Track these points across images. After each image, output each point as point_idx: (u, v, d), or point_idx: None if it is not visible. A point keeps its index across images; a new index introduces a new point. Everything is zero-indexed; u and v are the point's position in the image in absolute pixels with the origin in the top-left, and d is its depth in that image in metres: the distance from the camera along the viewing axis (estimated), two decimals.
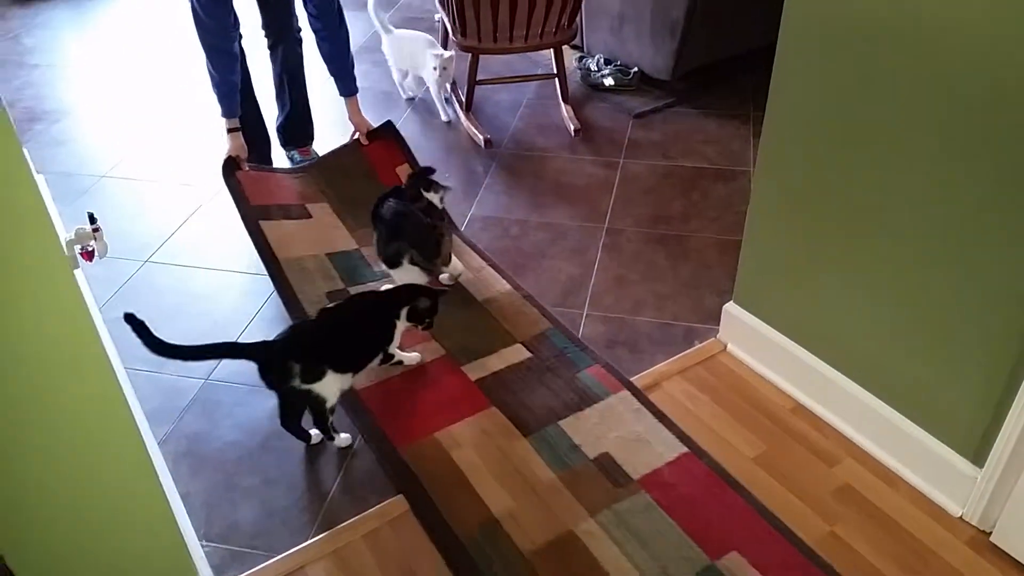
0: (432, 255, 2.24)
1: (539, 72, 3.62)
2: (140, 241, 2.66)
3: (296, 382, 1.80)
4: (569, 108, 3.35)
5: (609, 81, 3.53)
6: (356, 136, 2.82)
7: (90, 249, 1.59)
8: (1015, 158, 1.41)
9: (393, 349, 2.03)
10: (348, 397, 1.98)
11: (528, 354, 2.13)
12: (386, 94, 3.58)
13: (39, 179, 2.93)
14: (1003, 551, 1.65)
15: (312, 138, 3.06)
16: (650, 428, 1.91)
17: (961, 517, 1.72)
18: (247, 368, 2.15)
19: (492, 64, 3.63)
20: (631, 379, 2.08)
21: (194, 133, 3.18)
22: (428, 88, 3.45)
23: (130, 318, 1.75)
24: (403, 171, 2.72)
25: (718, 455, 1.88)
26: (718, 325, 2.21)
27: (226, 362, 2.19)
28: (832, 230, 1.79)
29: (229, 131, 2.62)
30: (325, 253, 2.46)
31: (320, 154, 2.97)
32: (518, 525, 1.70)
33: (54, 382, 1.03)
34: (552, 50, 3.31)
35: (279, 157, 3.03)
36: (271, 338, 1.86)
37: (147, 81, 3.73)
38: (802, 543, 1.67)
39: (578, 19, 3.37)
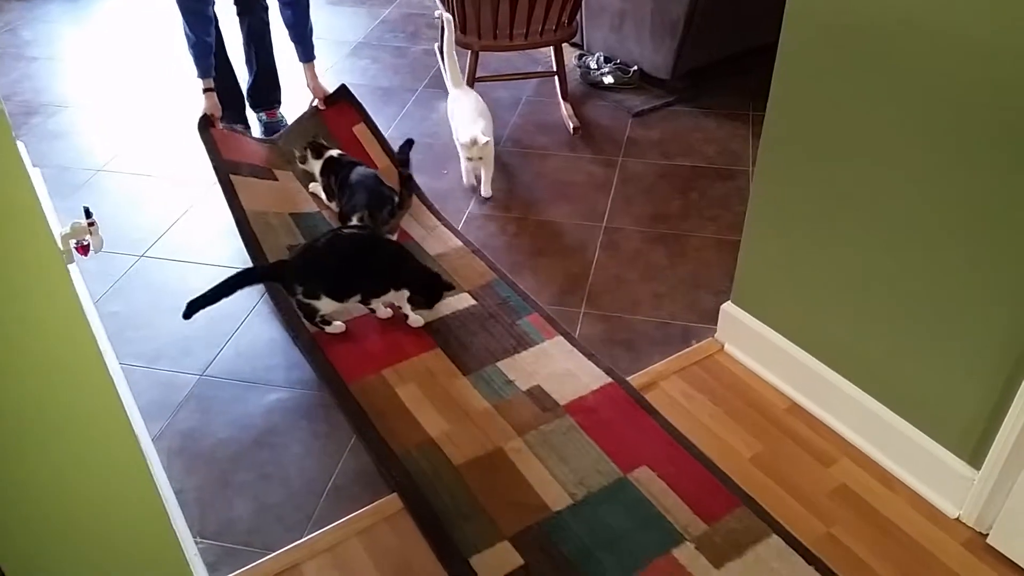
0: (381, 222, 2.47)
1: (539, 70, 3.62)
2: (136, 236, 2.65)
3: (300, 296, 2.16)
4: (568, 106, 3.34)
5: (609, 79, 3.52)
6: (315, 102, 2.98)
7: (85, 243, 1.58)
8: (1016, 160, 1.41)
9: (376, 304, 2.25)
10: (304, 337, 2.22)
11: (473, 302, 2.32)
12: (384, 90, 3.57)
13: (35, 172, 2.92)
14: (1000, 553, 1.65)
15: (279, 102, 3.26)
16: (579, 365, 2.10)
17: (958, 519, 1.72)
18: (242, 365, 2.17)
19: (492, 61, 3.62)
20: (628, 378, 2.08)
21: (191, 128, 3.17)
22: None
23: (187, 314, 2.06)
24: (360, 131, 2.93)
25: (714, 455, 1.87)
26: (715, 325, 2.21)
27: (220, 360, 2.18)
28: (831, 231, 1.78)
29: (204, 91, 2.79)
30: (289, 212, 2.64)
31: (286, 117, 3.21)
32: (452, 444, 1.89)
33: (46, 379, 1.02)
34: (552, 48, 3.30)
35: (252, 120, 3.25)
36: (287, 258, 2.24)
37: (145, 75, 3.71)
38: (706, 458, 1.85)
39: (578, 17, 3.36)
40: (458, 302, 2.31)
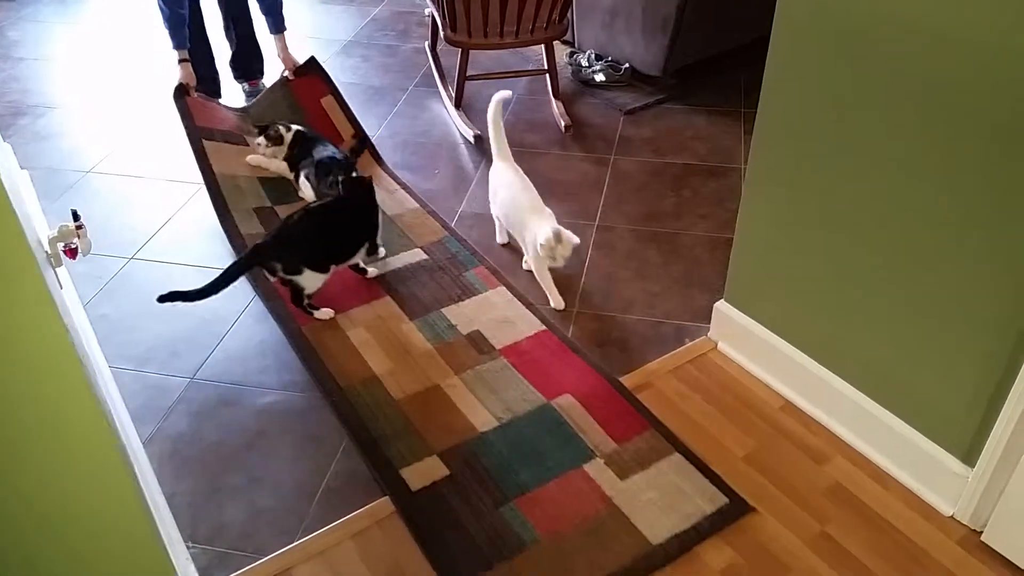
0: (323, 186, 2.66)
1: (530, 68, 3.60)
2: (126, 238, 2.63)
3: (280, 273, 2.22)
4: (560, 104, 3.33)
5: (600, 77, 3.51)
6: (285, 73, 3.10)
7: (73, 246, 1.56)
8: (1007, 158, 1.40)
9: (359, 259, 2.39)
10: (262, 285, 2.37)
11: (424, 256, 2.51)
12: (374, 89, 3.55)
13: (23, 175, 2.90)
14: (994, 550, 1.64)
15: (261, 72, 3.45)
16: (518, 313, 2.29)
17: (952, 516, 1.72)
18: (232, 368, 2.15)
19: (482, 59, 3.61)
20: (621, 378, 2.08)
21: (181, 129, 3.14)
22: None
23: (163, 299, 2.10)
24: (327, 103, 3.07)
25: (708, 454, 1.87)
26: (709, 323, 2.20)
27: (210, 363, 2.17)
28: (824, 229, 1.78)
29: (180, 61, 2.93)
30: (257, 176, 2.83)
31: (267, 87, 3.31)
32: (394, 380, 2.08)
33: (19, 386, 1.00)
34: (543, 45, 3.29)
35: (230, 94, 3.39)
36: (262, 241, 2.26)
37: (134, 75, 3.69)
38: (626, 389, 2.03)
39: (569, 14, 3.35)
40: (411, 256, 2.51)
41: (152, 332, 2.27)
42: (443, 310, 2.29)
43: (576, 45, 3.71)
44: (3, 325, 0.97)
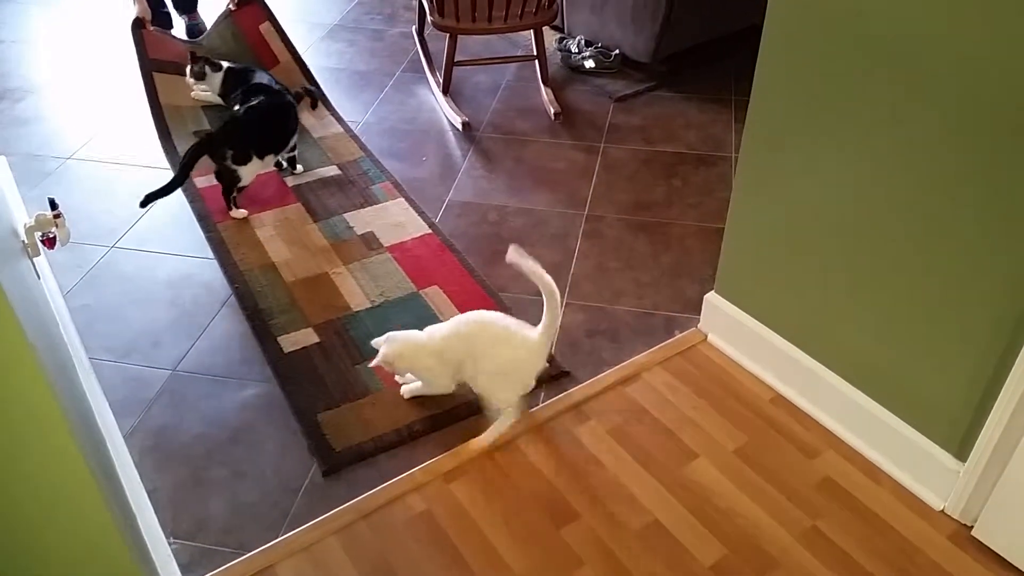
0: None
1: (519, 53, 3.56)
2: (107, 226, 2.58)
3: (228, 162, 2.53)
4: (549, 91, 3.29)
5: (590, 63, 3.47)
6: (229, 5, 3.29)
7: (52, 236, 1.52)
8: (1001, 152, 1.38)
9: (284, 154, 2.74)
10: (190, 189, 2.68)
11: (339, 172, 2.82)
12: (360, 75, 3.50)
13: (1, 160, 2.84)
14: (984, 545, 1.64)
15: (195, 5, 3.71)
16: (410, 219, 2.59)
17: (943, 511, 1.71)
18: (215, 359, 2.12)
19: (471, 45, 3.56)
20: (611, 370, 2.06)
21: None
22: None
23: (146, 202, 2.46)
24: (266, 29, 3.33)
25: (698, 447, 1.85)
26: (699, 314, 2.18)
27: (192, 354, 2.13)
28: (816, 221, 1.76)
29: None
30: (200, 105, 3.16)
31: (204, 19, 3.68)
32: (288, 268, 2.39)
33: None
34: (532, 31, 3.24)
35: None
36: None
37: (116, 59, 3.60)
38: (487, 284, 2.32)
39: None
40: (326, 171, 2.83)
41: (134, 322, 2.23)
42: (345, 215, 2.61)
43: (566, 31, 3.67)
44: None
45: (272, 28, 3.34)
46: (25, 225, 1.51)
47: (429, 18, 3.15)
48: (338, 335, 2.15)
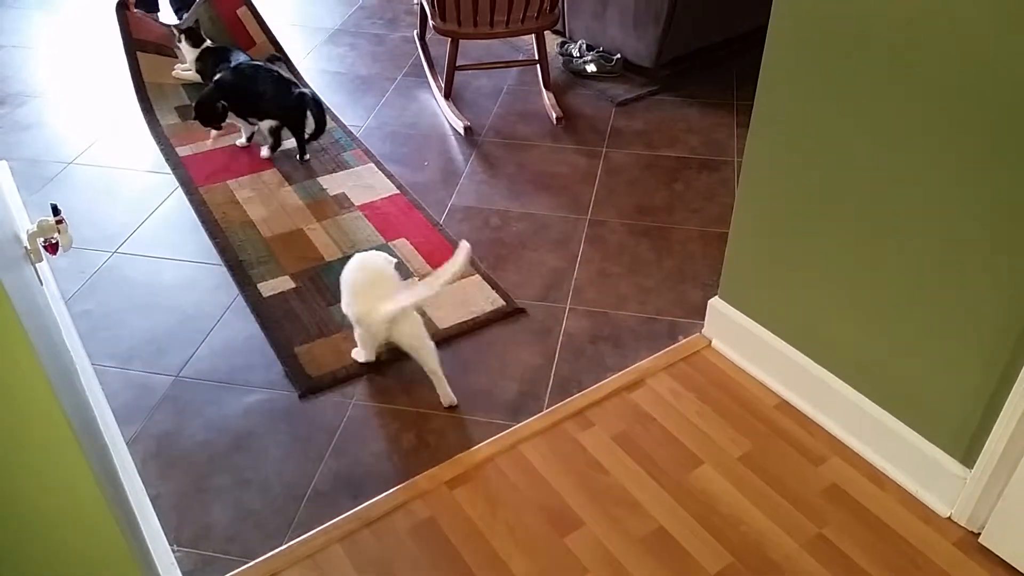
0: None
1: (520, 58, 3.56)
2: (109, 231, 2.58)
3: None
4: (551, 95, 3.29)
5: (591, 68, 3.47)
6: None
7: (54, 241, 1.52)
8: (1009, 156, 1.38)
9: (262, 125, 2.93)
10: (172, 157, 2.93)
11: (312, 141, 3.00)
12: (362, 79, 3.49)
13: (2, 165, 2.83)
14: (991, 552, 1.63)
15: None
16: (379, 182, 2.81)
17: (950, 518, 1.70)
18: (218, 365, 2.11)
19: (472, 49, 3.56)
20: (615, 375, 2.05)
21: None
22: None
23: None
24: (243, 13, 3.54)
25: (703, 453, 1.85)
26: (703, 320, 2.17)
27: (195, 360, 2.12)
28: (820, 225, 1.75)
29: None
30: (181, 84, 3.36)
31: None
32: (266, 225, 2.59)
33: None
34: (534, 35, 3.24)
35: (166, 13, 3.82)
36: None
37: (118, 63, 3.60)
38: (449, 236, 2.54)
39: (560, 4, 3.30)
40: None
41: (137, 328, 2.23)
42: (318, 178, 2.83)
43: (567, 35, 3.66)
44: None
45: (249, 12, 3.57)
46: (27, 231, 1.50)
47: (431, 22, 3.14)
48: (312, 281, 2.36)
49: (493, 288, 2.34)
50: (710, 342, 2.14)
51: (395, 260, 2.11)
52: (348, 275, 2.02)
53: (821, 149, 1.69)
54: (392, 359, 2.12)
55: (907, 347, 1.68)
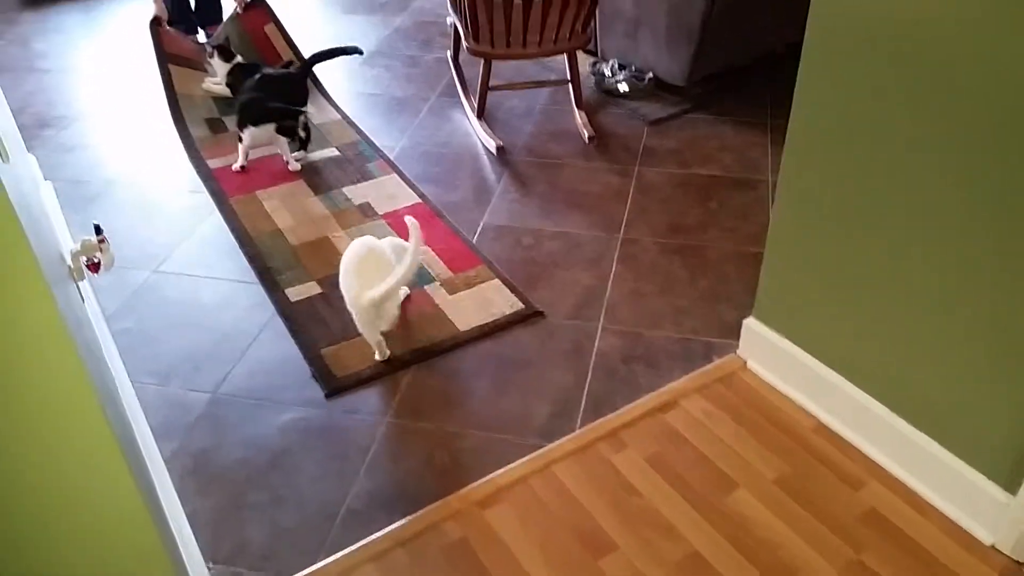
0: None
1: (552, 77, 3.57)
2: (149, 250, 2.63)
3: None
4: (583, 114, 3.30)
5: (623, 87, 3.47)
6: (236, 8, 3.67)
7: (96, 261, 1.55)
8: None
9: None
10: (203, 169, 3.04)
11: (337, 153, 3.14)
12: (397, 100, 3.53)
13: (47, 186, 2.91)
14: None
15: (221, 20, 3.86)
16: (402, 191, 2.90)
17: (993, 546, 1.66)
18: (254, 383, 2.14)
19: (505, 70, 3.58)
20: (648, 396, 2.04)
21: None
22: None
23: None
24: (271, 30, 3.69)
25: (739, 477, 1.83)
26: (737, 340, 2.15)
27: (232, 378, 2.15)
28: (859, 245, 1.73)
29: None
30: (211, 96, 3.49)
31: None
32: (293, 233, 2.69)
33: (30, 410, 0.98)
34: (566, 55, 3.26)
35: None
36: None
37: (157, 85, 3.69)
38: (470, 242, 2.64)
39: (592, 24, 3.32)
40: (327, 153, 3.14)
41: (175, 346, 2.26)
42: (343, 188, 2.91)
43: (599, 54, 3.68)
44: (10, 349, 0.95)
45: (276, 29, 3.70)
46: (71, 250, 1.54)
47: (464, 44, 3.18)
48: (337, 287, 2.32)
49: (512, 292, 2.41)
50: (745, 363, 2.12)
51: (387, 237, 2.34)
52: (341, 265, 2.16)
53: (859, 166, 1.67)
54: (423, 377, 2.13)
55: (947, 369, 1.65)
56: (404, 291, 2.37)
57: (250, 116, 2.98)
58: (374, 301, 2.04)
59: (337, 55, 3.45)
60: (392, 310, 2.14)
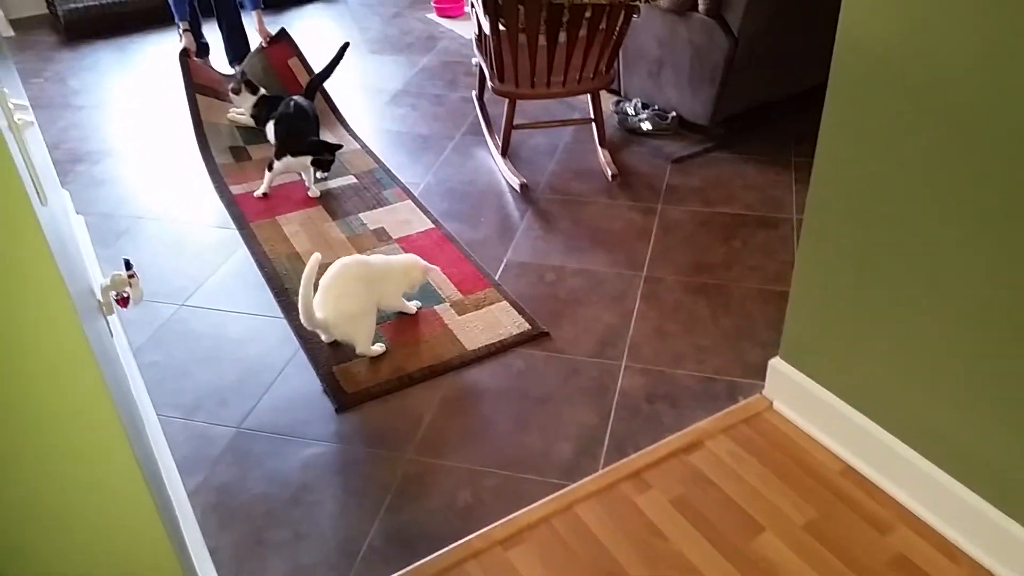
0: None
1: (576, 116, 3.61)
2: (177, 284, 2.66)
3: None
4: (606, 152, 3.32)
5: (647, 126, 3.50)
6: (261, 42, 3.92)
7: (125, 295, 1.58)
8: None
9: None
10: (226, 195, 3.17)
11: (355, 181, 3.27)
12: (423, 138, 3.58)
13: (79, 220, 2.96)
14: None
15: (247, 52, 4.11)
16: (417, 217, 3.01)
17: None
18: (278, 418, 2.14)
19: (529, 108, 3.62)
20: (671, 436, 2.02)
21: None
22: None
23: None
24: (294, 64, 3.90)
25: (765, 520, 1.80)
26: (763, 380, 2.14)
27: (257, 412, 2.16)
28: (887, 286, 1.72)
29: (183, 31, 4.11)
30: (235, 125, 3.66)
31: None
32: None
33: (57, 439, 0.99)
34: (589, 95, 3.29)
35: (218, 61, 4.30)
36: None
37: (185, 119, 3.77)
38: (482, 268, 2.70)
39: (616, 64, 3.35)
40: (344, 181, 3.26)
41: (201, 380, 2.28)
42: (360, 214, 3.03)
43: (622, 94, 3.71)
44: (41, 382, 0.97)
45: (299, 62, 3.90)
46: (101, 284, 1.57)
47: (489, 84, 3.22)
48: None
49: (520, 313, 2.47)
50: (771, 404, 2.10)
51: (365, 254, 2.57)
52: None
53: (885, 206, 1.66)
54: (446, 413, 2.13)
55: (975, 412, 1.62)
56: (415, 305, 2.51)
57: (291, 147, 3.11)
58: (314, 322, 2.23)
59: (334, 67, 3.60)
60: (360, 328, 2.30)
